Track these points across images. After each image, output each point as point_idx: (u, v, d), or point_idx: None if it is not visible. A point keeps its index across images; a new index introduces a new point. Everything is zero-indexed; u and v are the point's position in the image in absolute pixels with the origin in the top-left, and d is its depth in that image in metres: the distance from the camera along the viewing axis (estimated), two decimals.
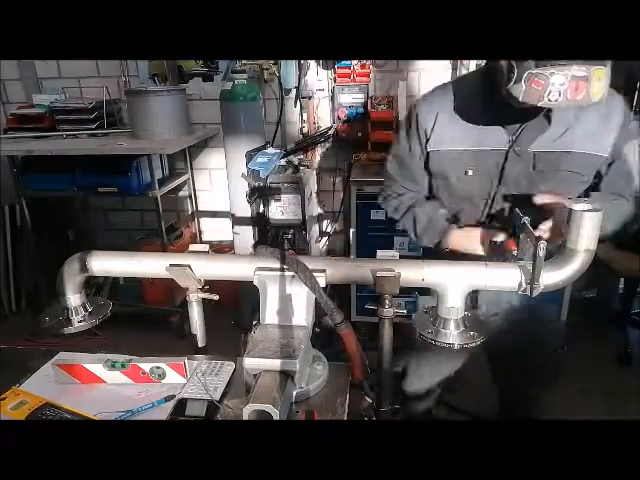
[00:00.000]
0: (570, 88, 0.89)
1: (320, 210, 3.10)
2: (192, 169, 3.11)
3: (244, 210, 2.53)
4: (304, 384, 0.92)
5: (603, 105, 1.07)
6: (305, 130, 2.87)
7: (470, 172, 1.17)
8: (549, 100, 0.91)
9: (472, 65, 2.59)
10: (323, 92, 2.87)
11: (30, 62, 2.99)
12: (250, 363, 0.87)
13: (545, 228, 1.03)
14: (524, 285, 0.87)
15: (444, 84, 1.24)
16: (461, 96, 1.17)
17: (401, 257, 0.96)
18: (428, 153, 1.21)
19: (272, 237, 2.53)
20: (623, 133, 1.11)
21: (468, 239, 1.17)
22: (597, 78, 0.91)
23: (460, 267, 0.91)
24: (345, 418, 0.90)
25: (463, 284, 0.90)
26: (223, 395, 0.96)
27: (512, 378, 1.52)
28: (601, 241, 0.84)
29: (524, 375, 1.45)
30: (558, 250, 0.88)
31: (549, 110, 1.07)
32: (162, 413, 0.92)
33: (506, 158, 1.13)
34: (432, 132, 1.19)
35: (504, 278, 0.91)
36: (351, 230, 2.59)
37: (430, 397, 1.61)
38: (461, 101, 1.16)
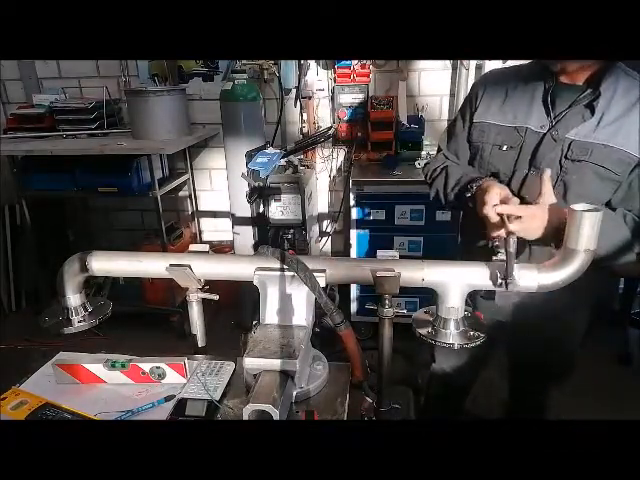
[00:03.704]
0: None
1: (324, 210, 3.11)
2: (192, 169, 3.11)
3: (244, 210, 2.53)
4: (304, 384, 0.92)
5: None
6: (305, 130, 2.87)
7: (504, 147, 1.18)
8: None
9: (472, 65, 2.60)
10: (323, 92, 2.87)
11: (30, 62, 3.00)
12: (250, 363, 0.87)
13: (517, 226, 0.96)
14: (500, 281, 0.85)
15: (503, 68, 1.31)
16: (515, 76, 1.20)
17: (401, 257, 0.96)
18: (472, 124, 1.25)
19: (272, 237, 2.53)
20: None
21: (488, 197, 1.04)
22: None
23: (460, 267, 0.91)
24: (345, 418, 0.90)
25: (463, 284, 0.90)
26: (223, 395, 0.96)
27: (513, 377, 1.52)
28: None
29: (527, 374, 1.45)
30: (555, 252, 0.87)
31: (594, 100, 1.07)
32: (162, 413, 0.92)
33: (541, 140, 1.13)
34: (480, 103, 1.24)
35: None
36: (351, 230, 2.59)
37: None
38: (514, 80, 1.20)
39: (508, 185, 1.16)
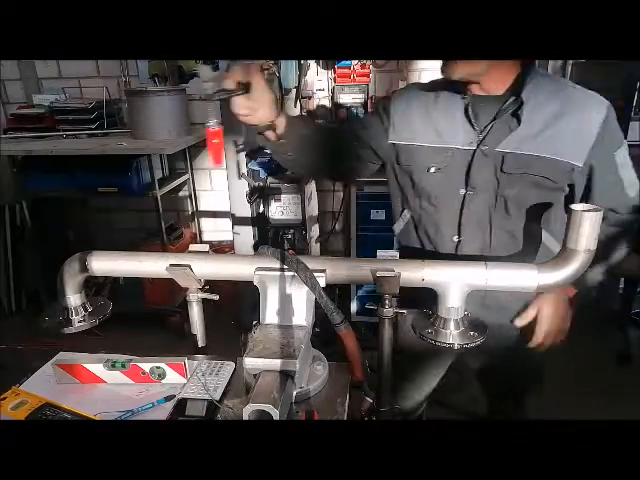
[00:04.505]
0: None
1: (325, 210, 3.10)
2: (192, 169, 3.11)
3: (244, 210, 2.53)
4: (304, 384, 0.92)
5: (582, 110, 1.04)
6: None
7: (432, 169, 1.12)
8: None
9: None
10: (323, 92, 2.87)
11: (30, 62, 3.00)
12: (250, 363, 0.87)
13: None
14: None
15: (421, 83, 1.22)
16: (431, 92, 1.13)
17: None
18: (395, 145, 1.17)
19: (272, 237, 2.53)
20: (606, 141, 1.05)
21: None
22: None
23: (460, 267, 0.91)
24: (345, 418, 0.90)
25: (463, 284, 0.90)
26: (223, 395, 0.96)
27: (513, 377, 1.52)
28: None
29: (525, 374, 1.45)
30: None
31: (518, 108, 1.03)
32: (162, 413, 0.92)
33: (473, 157, 1.08)
34: (399, 123, 1.15)
35: (504, 278, 0.91)
36: (351, 230, 2.59)
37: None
38: (430, 97, 1.13)
39: (446, 207, 1.14)
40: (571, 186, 1.10)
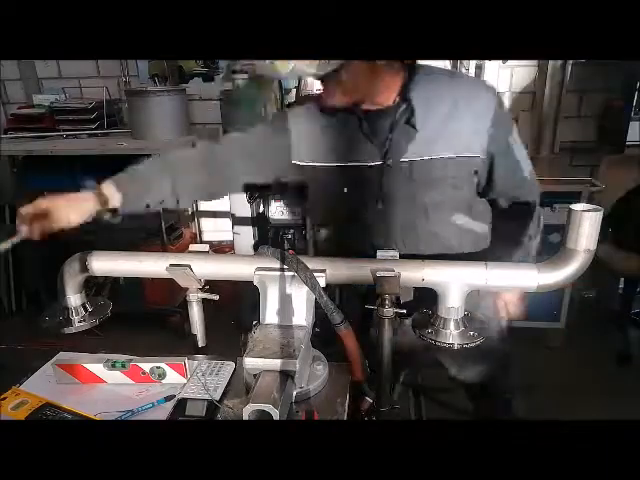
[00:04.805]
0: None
1: None
2: None
3: (244, 210, 2.53)
4: (304, 384, 0.92)
5: (474, 100, 1.03)
6: None
7: (346, 189, 1.09)
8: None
9: (472, 65, 2.60)
10: None
11: (30, 62, 2.99)
12: (250, 363, 0.87)
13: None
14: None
15: (312, 99, 1.17)
16: (328, 110, 1.08)
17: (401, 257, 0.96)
18: (302, 167, 1.12)
19: (272, 237, 2.53)
20: (500, 126, 1.05)
21: None
22: None
23: (460, 267, 0.91)
24: (345, 418, 0.90)
25: (463, 284, 0.90)
26: (223, 395, 0.96)
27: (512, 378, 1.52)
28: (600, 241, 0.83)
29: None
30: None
31: (412, 116, 1.02)
32: (162, 413, 0.92)
33: (381, 172, 1.06)
34: (301, 143, 1.10)
35: (504, 278, 0.91)
36: None
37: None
38: (328, 115, 1.08)
39: (365, 223, 1.11)
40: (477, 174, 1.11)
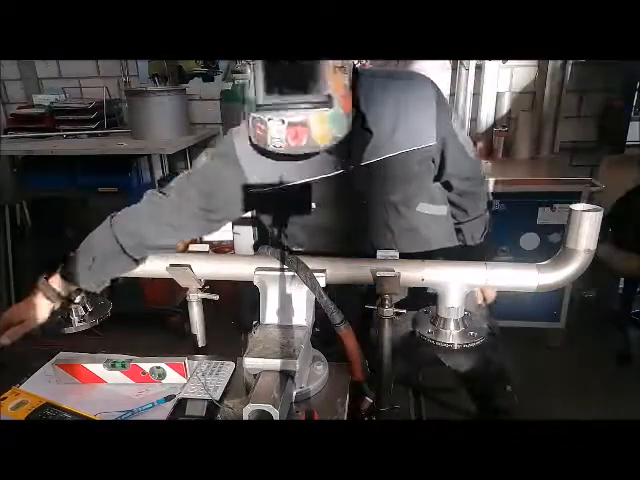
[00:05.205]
0: (289, 134, 0.83)
1: None
2: None
3: None
4: (304, 384, 0.92)
5: (417, 92, 1.04)
6: None
7: (314, 205, 1.07)
8: (274, 146, 0.85)
9: (472, 65, 2.60)
10: None
11: (30, 62, 2.99)
12: (250, 363, 0.87)
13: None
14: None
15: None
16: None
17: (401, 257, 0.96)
18: (259, 194, 1.06)
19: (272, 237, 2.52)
20: (443, 113, 1.06)
21: None
22: (320, 121, 0.84)
23: (460, 267, 0.92)
24: (345, 418, 0.90)
25: (463, 284, 0.90)
26: (223, 395, 0.96)
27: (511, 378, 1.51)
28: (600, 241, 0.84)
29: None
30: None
31: (364, 120, 1.00)
32: (162, 413, 0.92)
33: (346, 179, 1.04)
34: (255, 170, 1.04)
35: (504, 278, 0.91)
36: None
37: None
38: None
39: (338, 234, 1.10)
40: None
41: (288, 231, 1.16)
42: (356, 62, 2.94)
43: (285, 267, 0.94)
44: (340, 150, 0.99)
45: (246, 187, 1.06)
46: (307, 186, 1.05)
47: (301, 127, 0.83)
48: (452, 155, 1.12)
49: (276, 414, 0.76)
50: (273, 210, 1.14)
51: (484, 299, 1.20)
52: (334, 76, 0.86)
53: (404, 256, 0.98)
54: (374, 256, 0.98)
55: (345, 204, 1.09)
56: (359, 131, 1.01)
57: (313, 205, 1.07)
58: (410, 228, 1.14)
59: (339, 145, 0.94)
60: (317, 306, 0.95)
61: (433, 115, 1.04)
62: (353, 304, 1.02)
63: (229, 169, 1.05)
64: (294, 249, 1.16)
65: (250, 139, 0.97)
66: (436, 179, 1.17)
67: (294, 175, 1.03)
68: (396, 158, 1.04)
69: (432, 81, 1.07)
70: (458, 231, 1.26)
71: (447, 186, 1.20)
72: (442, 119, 1.06)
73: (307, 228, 1.13)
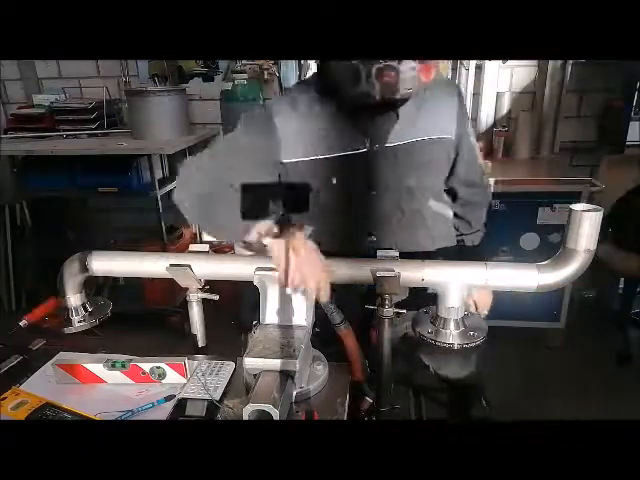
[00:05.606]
0: (422, 71, 0.89)
1: None
2: None
3: None
4: (304, 384, 0.92)
5: (441, 87, 1.11)
6: None
7: (334, 180, 1.10)
8: (406, 89, 0.91)
9: (472, 65, 2.60)
10: None
11: (30, 62, 2.99)
12: (250, 363, 0.87)
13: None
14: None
15: (294, 90, 1.20)
16: (310, 100, 1.09)
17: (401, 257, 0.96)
18: (287, 164, 1.10)
19: None
20: (462, 113, 1.14)
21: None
22: None
23: (460, 267, 0.92)
24: (345, 418, 0.90)
25: (463, 284, 0.90)
26: (223, 395, 0.96)
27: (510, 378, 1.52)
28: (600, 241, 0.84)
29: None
30: None
31: (394, 102, 1.03)
32: (162, 413, 0.92)
33: (368, 159, 1.09)
34: (287, 139, 1.08)
35: (504, 278, 0.91)
36: None
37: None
38: (311, 105, 1.09)
39: (355, 212, 1.13)
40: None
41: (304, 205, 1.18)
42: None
43: None
44: (366, 129, 1.07)
45: (274, 157, 1.10)
46: (330, 160, 1.09)
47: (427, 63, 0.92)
48: (463, 156, 1.17)
49: (276, 414, 0.76)
50: (294, 183, 1.15)
51: (476, 307, 1.20)
52: None
53: (408, 240, 1.02)
54: (381, 234, 1.05)
55: (362, 182, 1.12)
56: (387, 113, 1.06)
57: (334, 180, 1.10)
58: (419, 212, 1.17)
59: (367, 124, 1.05)
60: (317, 306, 0.95)
61: (454, 111, 1.12)
62: (353, 304, 1.02)
63: (262, 137, 1.09)
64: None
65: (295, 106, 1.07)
66: (446, 180, 1.20)
67: (322, 148, 1.08)
68: (417, 143, 1.09)
69: (454, 83, 1.16)
70: (459, 242, 1.29)
71: (452, 195, 1.23)
72: (461, 117, 1.12)
73: (323, 201, 1.15)
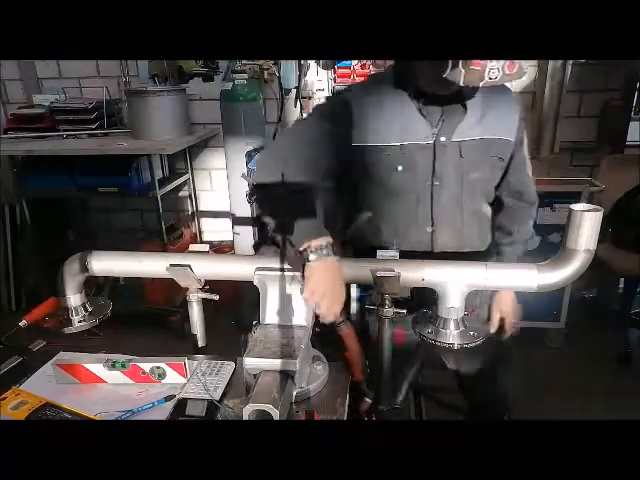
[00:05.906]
0: (507, 63, 0.91)
1: None
2: (192, 169, 3.10)
3: (244, 210, 2.53)
4: (304, 384, 0.92)
5: (506, 91, 1.16)
6: None
7: (400, 168, 1.13)
8: (490, 78, 0.93)
9: None
10: (323, 92, 2.86)
11: (30, 62, 2.99)
12: (250, 363, 0.87)
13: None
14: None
15: (369, 80, 1.25)
16: (384, 90, 1.14)
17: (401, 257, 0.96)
18: (358, 148, 1.14)
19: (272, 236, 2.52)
20: (521, 121, 1.17)
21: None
22: None
23: (460, 267, 0.91)
24: (345, 418, 0.90)
25: (463, 284, 0.90)
26: (223, 395, 0.96)
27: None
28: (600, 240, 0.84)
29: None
30: None
31: (465, 97, 1.08)
32: (162, 413, 0.92)
33: (434, 150, 1.12)
34: (362, 124, 1.13)
35: (504, 278, 0.91)
36: None
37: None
38: (384, 95, 1.14)
39: (417, 201, 1.15)
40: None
41: (365, 193, 1.22)
42: (356, 62, 2.93)
43: (285, 267, 0.94)
44: (436, 121, 1.11)
45: (347, 141, 1.14)
46: (399, 147, 1.12)
47: None
48: (515, 163, 1.20)
49: (276, 414, 0.76)
50: (357, 170, 1.19)
51: (502, 318, 1.25)
52: None
53: (462, 237, 1.09)
54: (438, 226, 1.12)
55: (426, 172, 1.14)
56: (455, 108, 1.10)
57: (400, 167, 1.13)
58: (477, 211, 1.20)
59: (437, 116, 1.10)
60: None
61: (517, 117, 1.16)
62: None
63: (339, 122, 1.14)
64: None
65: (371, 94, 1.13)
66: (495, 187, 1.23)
67: (391, 136, 1.12)
68: (482, 141, 1.12)
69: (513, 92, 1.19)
70: (498, 253, 1.28)
71: (498, 203, 1.25)
72: (521, 125, 1.17)
73: (387, 188, 1.18)
